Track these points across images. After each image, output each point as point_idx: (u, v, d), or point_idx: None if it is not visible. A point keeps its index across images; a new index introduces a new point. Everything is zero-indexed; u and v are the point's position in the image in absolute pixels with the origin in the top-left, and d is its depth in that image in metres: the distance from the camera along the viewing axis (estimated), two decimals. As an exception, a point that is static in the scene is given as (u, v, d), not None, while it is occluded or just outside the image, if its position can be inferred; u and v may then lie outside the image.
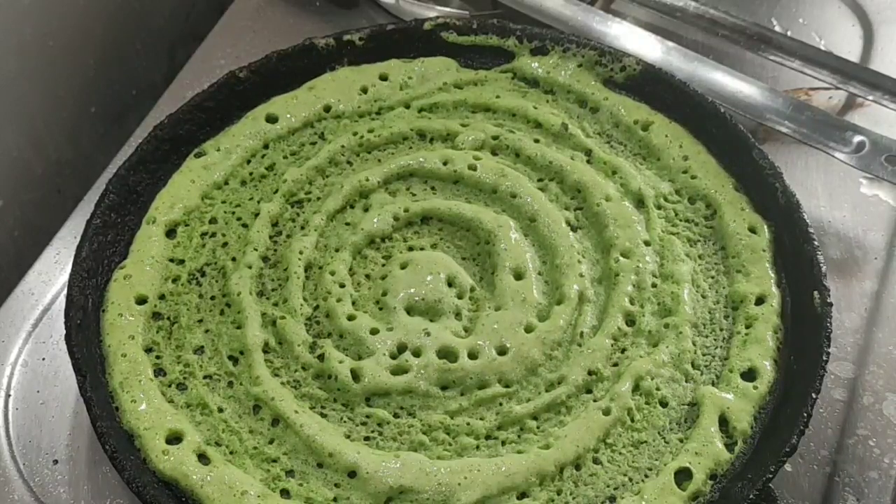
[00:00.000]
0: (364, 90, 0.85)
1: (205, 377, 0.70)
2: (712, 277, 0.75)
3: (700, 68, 0.88)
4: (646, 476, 0.66)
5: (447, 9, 0.99)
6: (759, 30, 0.94)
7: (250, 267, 0.74)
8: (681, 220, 0.78)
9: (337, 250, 0.76)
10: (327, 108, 0.84)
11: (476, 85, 0.86)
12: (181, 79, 0.97)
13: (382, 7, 1.01)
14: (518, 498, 0.64)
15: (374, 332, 0.71)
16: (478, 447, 0.67)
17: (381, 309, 0.73)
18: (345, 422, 0.68)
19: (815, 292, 0.70)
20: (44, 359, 0.77)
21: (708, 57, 0.89)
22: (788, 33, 0.97)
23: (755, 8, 1.02)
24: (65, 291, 0.71)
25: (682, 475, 0.65)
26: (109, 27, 1.01)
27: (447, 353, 0.70)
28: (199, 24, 1.05)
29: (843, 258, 0.82)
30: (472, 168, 0.80)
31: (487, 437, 0.67)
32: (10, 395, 0.75)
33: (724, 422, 0.67)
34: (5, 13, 0.87)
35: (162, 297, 0.73)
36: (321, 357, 0.70)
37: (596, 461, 0.66)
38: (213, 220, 0.78)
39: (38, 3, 0.91)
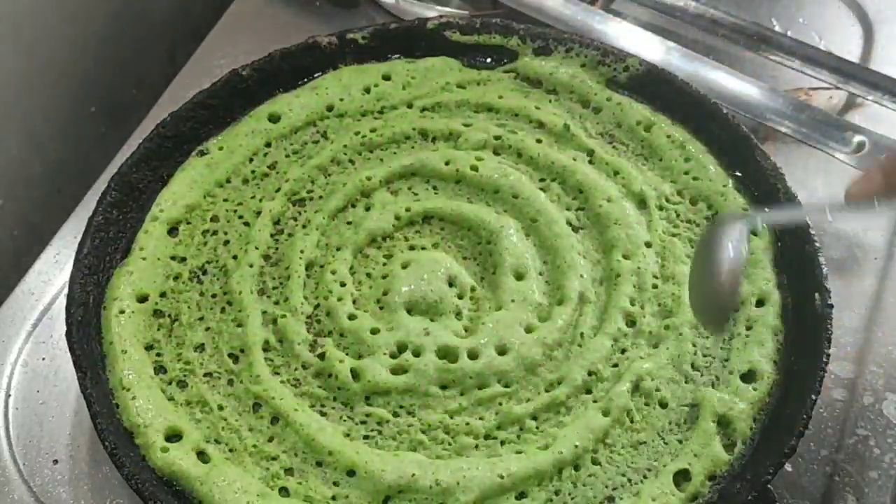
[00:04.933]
0: (367, 89, 0.85)
1: (205, 375, 0.70)
2: (713, 278, 0.75)
3: (700, 68, 0.88)
4: (644, 477, 0.66)
5: (447, 9, 0.99)
6: (759, 30, 0.94)
7: (251, 265, 0.74)
8: (682, 222, 0.78)
9: (338, 249, 0.76)
10: (330, 107, 0.84)
11: (479, 85, 0.86)
12: (181, 79, 0.97)
13: (383, 7, 1.01)
14: (516, 498, 0.64)
15: (374, 331, 0.71)
16: (477, 447, 0.67)
17: (381, 308, 0.73)
18: (344, 420, 0.68)
19: (816, 294, 0.70)
20: (44, 359, 0.77)
21: (708, 57, 0.90)
22: (788, 33, 0.98)
23: (755, 8, 1.02)
24: (65, 291, 0.71)
25: (681, 476, 0.65)
26: (109, 27, 1.01)
27: (447, 353, 0.70)
28: (199, 24, 1.05)
29: (843, 258, 0.82)
30: (474, 168, 0.80)
31: (486, 437, 0.67)
32: (10, 395, 0.75)
33: (723, 423, 0.67)
34: (5, 13, 0.87)
35: (163, 294, 0.73)
36: (321, 356, 0.70)
37: (595, 462, 0.66)
38: (214, 218, 0.77)
39: (38, 3, 0.91)
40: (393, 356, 0.70)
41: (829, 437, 0.72)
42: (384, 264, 0.76)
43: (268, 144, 0.82)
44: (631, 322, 0.72)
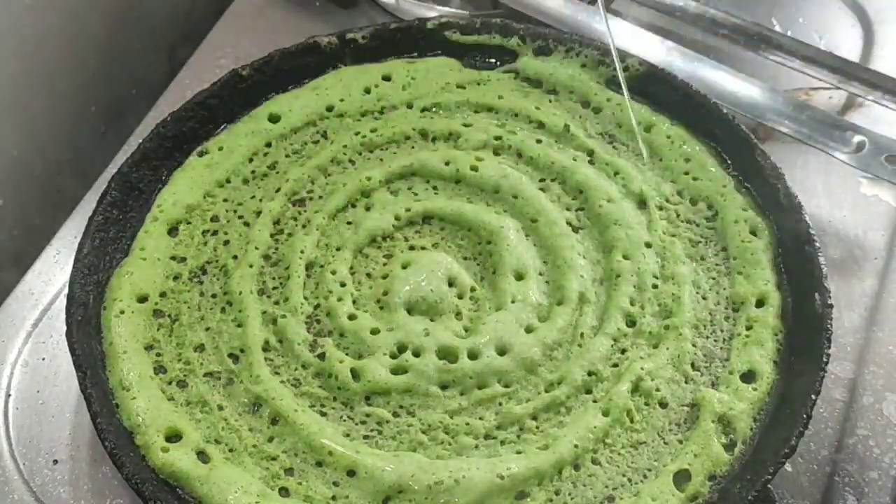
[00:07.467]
0: (367, 90, 0.85)
1: (205, 375, 0.70)
2: (713, 279, 0.75)
3: (700, 68, 0.88)
4: (644, 477, 0.66)
5: (447, 9, 0.99)
6: (759, 30, 0.94)
7: (251, 265, 0.74)
8: (682, 222, 0.78)
9: (338, 249, 0.76)
10: (330, 108, 0.84)
11: (479, 85, 0.86)
12: (181, 79, 0.97)
13: (383, 7, 1.01)
14: (516, 498, 0.64)
15: (374, 331, 0.71)
16: (477, 447, 0.67)
17: (381, 308, 0.73)
18: (344, 421, 0.68)
19: (816, 294, 0.70)
20: (44, 359, 0.77)
21: (708, 57, 0.90)
22: (788, 33, 0.97)
23: (755, 8, 1.02)
24: (65, 291, 0.71)
25: (681, 476, 0.65)
26: (109, 27, 1.01)
27: (447, 353, 0.70)
28: (199, 24, 1.05)
29: (843, 258, 0.82)
30: (474, 168, 0.80)
31: (486, 437, 0.67)
32: (10, 395, 0.75)
33: (723, 423, 0.67)
34: (5, 13, 0.87)
35: (163, 294, 0.73)
36: (321, 356, 0.70)
37: (595, 462, 0.66)
38: (215, 218, 0.78)
39: (38, 3, 0.91)
40: (393, 356, 0.70)
41: (829, 437, 0.72)
42: (384, 264, 0.76)
43: (268, 144, 0.82)
44: (631, 322, 0.72)
